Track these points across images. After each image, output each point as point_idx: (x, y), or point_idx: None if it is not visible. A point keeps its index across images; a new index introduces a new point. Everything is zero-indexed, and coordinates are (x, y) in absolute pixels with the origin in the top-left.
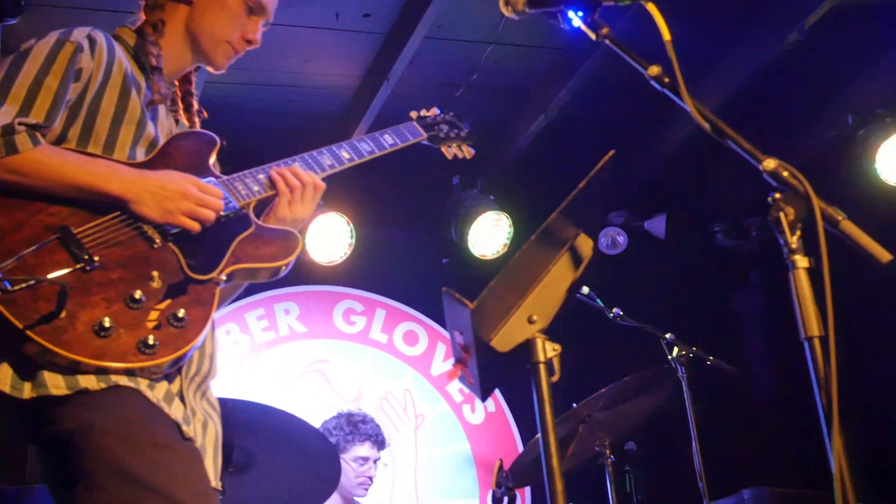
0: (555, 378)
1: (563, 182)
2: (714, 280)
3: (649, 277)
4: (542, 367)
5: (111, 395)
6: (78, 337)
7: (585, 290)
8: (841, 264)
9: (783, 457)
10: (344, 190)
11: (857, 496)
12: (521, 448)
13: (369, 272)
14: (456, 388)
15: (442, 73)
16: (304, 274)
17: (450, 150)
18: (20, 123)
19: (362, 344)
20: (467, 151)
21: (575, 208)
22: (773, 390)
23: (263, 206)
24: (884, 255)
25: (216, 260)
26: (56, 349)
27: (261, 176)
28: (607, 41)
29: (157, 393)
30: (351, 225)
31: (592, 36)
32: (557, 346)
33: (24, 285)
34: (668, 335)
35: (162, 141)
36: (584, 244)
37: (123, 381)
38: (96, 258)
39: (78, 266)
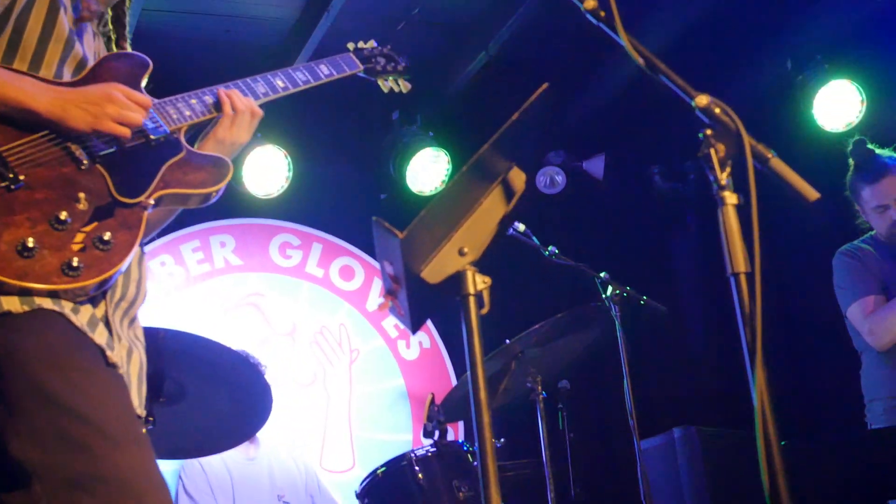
0: (484, 311)
1: (502, 120)
2: (651, 222)
3: (587, 217)
4: (471, 300)
5: (35, 319)
6: (1, 257)
7: (522, 227)
8: (771, 202)
9: (714, 397)
10: (282, 123)
11: (779, 433)
12: (455, 384)
13: (306, 206)
14: (391, 323)
15: (383, 7)
16: (241, 207)
17: (386, 84)
18: None
19: (298, 278)
20: (403, 85)
21: (507, 141)
22: (706, 331)
23: (196, 134)
24: (811, 194)
25: (145, 184)
26: None
27: (193, 101)
28: None
29: (81, 318)
30: (288, 158)
31: None
32: (487, 279)
33: None
34: (602, 274)
35: (91, 62)
36: (517, 178)
37: (47, 304)
38: (21, 177)
39: (2, 185)
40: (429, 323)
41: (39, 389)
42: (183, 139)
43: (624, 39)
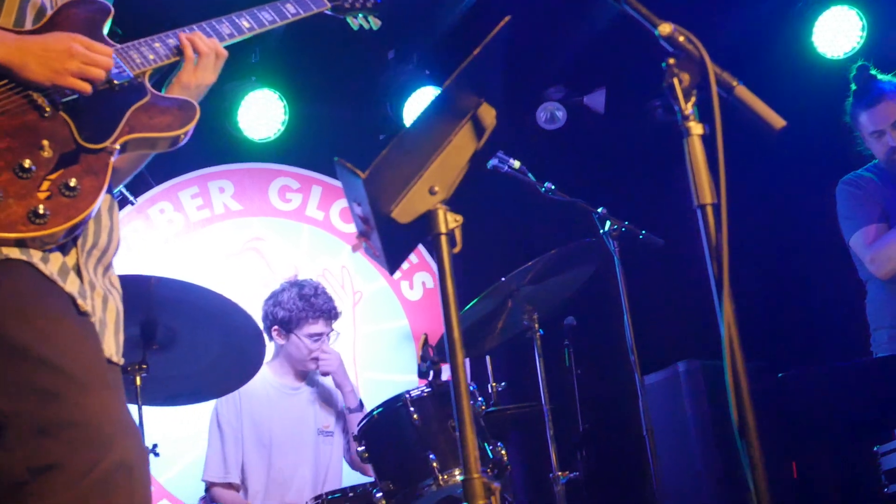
0: (456, 249)
1: None
2: (653, 156)
3: (588, 153)
4: (443, 239)
5: (2, 269)
6: None
7: (517, 164)
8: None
9: (714, 330)
10: (276, 65)
11: (746, 358)
12: None
13: (304, 149)
14: None
15: None
16: (239, 151)
17: (355, 21)
18: None
19: (298, 221)
20: (374, 22)
21: (472, 76)
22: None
23: (163, 79)
24: (777, 122)
25: (109, 129)
26: None
27: (156, 45)
28: None
29: (51, 266)
30: (284, 101)
31: None
32: (459, 217)
33: None
34: (599, 209)
35: (49, 10)
36: (487, 114)
37: (15, 253)
38: None
39: None
40: (431, 262)
41: (5, 337)
42: (148, 83)
43: None
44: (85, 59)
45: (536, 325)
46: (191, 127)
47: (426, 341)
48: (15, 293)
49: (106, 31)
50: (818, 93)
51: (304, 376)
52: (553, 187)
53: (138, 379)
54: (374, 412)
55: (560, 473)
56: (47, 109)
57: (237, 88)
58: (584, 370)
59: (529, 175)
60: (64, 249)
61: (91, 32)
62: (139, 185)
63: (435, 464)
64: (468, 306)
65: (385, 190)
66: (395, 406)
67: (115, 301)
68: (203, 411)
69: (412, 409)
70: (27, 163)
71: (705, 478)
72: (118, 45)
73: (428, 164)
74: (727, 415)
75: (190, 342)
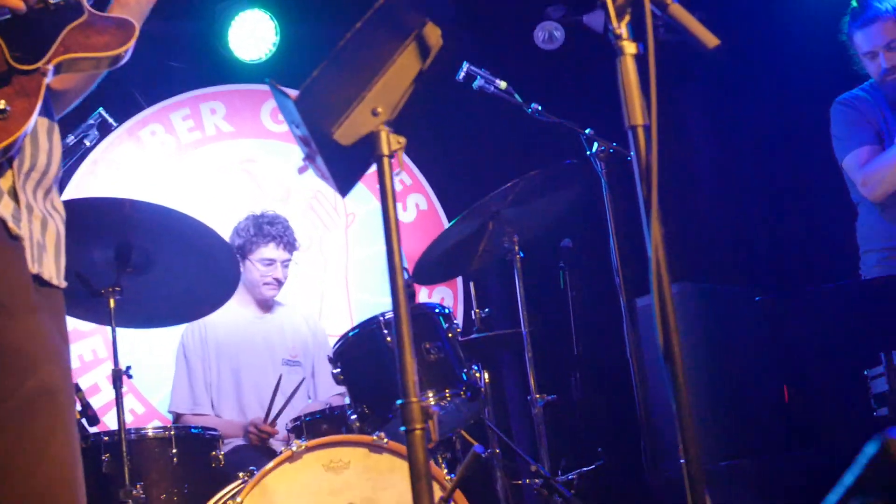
0: (397, 171)
1: None
2: (659, 75)
3: (587, 73)
4: (385, 161)
5: None
6: None
7: (503, 84)
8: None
9: (708, 252)
10: None
11: (674, 277)
12: None
13: (296, 69)
14: None
15: None
16: (230, 72)
17: None
18: None
19: (291, 143)
20: None
21: None
22: (712, 187)
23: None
24: (711, 40)
25: (42, 49)
26: None
27: None
28: None
29: None
30: (275, 20)
31: None
32: (402, 139)
33: None
34: (587, 130)
35: None
36: (432, 33)
37: None
38: None
39: None
40: (425, 183)
41: None
42: (86, 3)
43: None
44: None
45: (517, 248)
46: (129, 46)
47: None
48: None
49: None
50: (817, 10)
51: (268, 306)
52: (540, 108)
53: (112, 301)
54: (350, 334)
55: (537, 396)
56: None
57: (227, 9)
58: (579, 293)
59: (516, 96)
60: None
61: None
62: (129, 107)
63: None
64: (447, 227)
65: (325, 111)
66: (369, 328)
67: (56, 224)
68: None
69: (386, 331)
70: None
71: (694, 401)
72: None
73: (370, 85)
74: (719, 337)
75: (165, 266)
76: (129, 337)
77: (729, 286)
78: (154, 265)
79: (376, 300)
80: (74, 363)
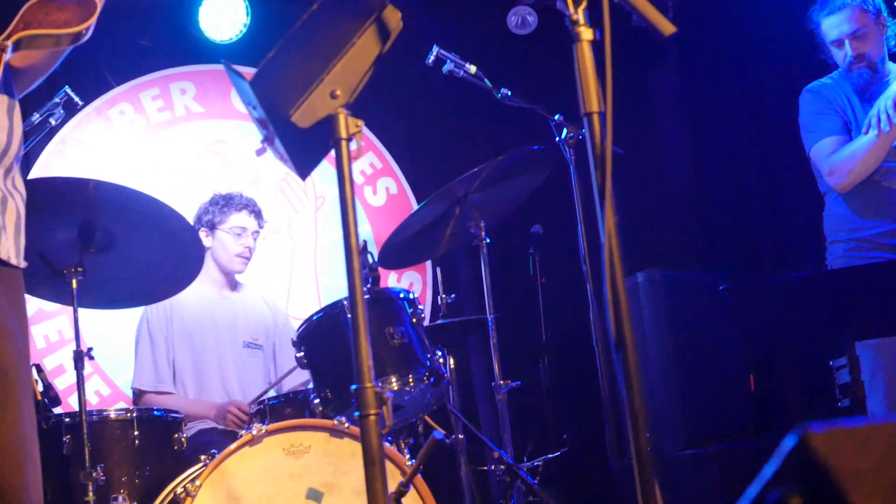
0: (355, 153)
1: None
2: (630, 61)
3: (560, 58)
4: (343, 144)
5: None
6: None
7: (473, 69)
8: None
9: (676, 240)
10: None
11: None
12: None
13: (267, 50)
14: (357, 169)
15: None
16: (200, 52)
17: None
18: None
19: None
20: None
21: None
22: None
23: None
24: (667, 27)
25: (1, 26)
26: None
27: None
28: None
29: None
30: (246, 1)
31: None
32: (360, 122)
33: None
34: (556, 116)
35: None
36: (392, 16)
37: None
38: None
39: None
40: (396, 168)
41: None
42: None
43: None
44: None
45: (483, 233)
46: (91, 23)
47: (364, 247)
48: None
49: None
50: None
51: (233, 285)
52: (509, 93)
53: (74, 282)
54: (314, 317)
55: (502, 382)
56: None
57: None
58: (548, 279)
59: (485, 80)
60: None
61: None
62: (98, 86)
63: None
64: (414, 210)
65: (282, 93)
66: (333, 312)
67: (16, 203)
68: None
69: (349, 315)
70: None
71: (661, 388)
72: None
73: (329, 67)
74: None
75: (128, 246)
76: (97, 318)
77: (697, 274)
78: (117, 246)
79: (345, 284)
80: (40, 343)
